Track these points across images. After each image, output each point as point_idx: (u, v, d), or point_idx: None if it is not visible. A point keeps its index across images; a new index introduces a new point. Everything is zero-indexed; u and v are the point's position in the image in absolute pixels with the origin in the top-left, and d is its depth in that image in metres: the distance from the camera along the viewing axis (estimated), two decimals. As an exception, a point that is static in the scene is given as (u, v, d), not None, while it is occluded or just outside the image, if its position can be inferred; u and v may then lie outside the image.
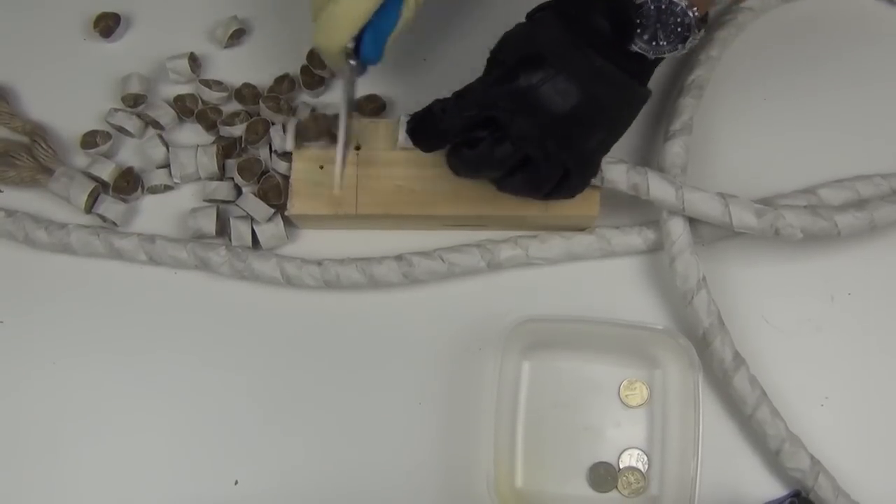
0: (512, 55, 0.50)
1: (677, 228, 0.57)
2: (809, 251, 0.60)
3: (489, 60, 0.52)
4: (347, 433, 0.57)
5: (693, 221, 0.58)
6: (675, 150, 0.58)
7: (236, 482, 0.56)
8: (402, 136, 0.57)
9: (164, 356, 0.59)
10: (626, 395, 0.57)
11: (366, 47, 0.53)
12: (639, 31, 0.49)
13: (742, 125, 0.64)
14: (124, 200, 0.62)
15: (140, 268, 0.61)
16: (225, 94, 0.64)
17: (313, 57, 0.64)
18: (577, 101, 0.48)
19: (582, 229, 0.60)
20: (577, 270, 0.60)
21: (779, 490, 0.55)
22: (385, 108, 0.64)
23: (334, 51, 0.53)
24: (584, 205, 0.57)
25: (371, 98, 0.63)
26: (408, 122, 0.53)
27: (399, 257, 0.58)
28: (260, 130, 0.61)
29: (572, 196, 0.54)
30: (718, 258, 0.60)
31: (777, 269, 0.60)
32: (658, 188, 0.56)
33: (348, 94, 0.55)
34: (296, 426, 0.58)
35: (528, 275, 0.60)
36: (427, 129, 0.52)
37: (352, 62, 0.53)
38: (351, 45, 0.53)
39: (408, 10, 0.54)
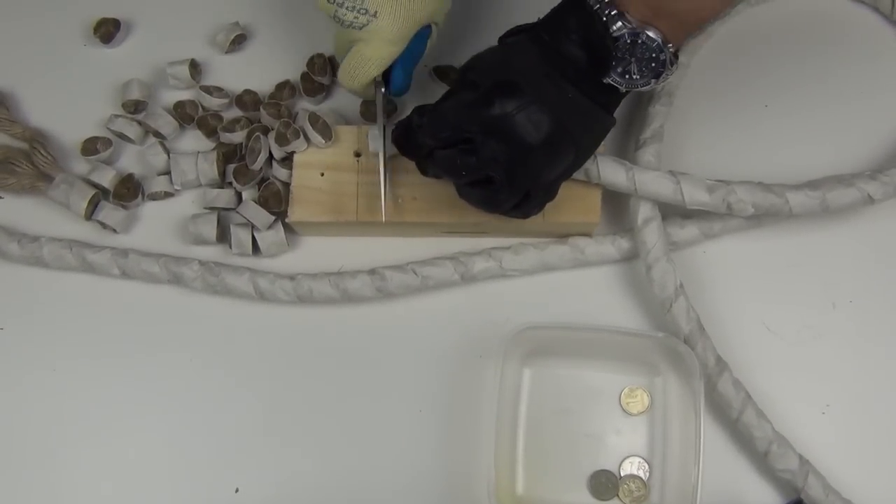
0: (486, 79, 0.49)
1: (652, 236, 0.57)
2: (811, 257, 0.60)
3: (460, 78, 0.51)
4: (348, 441, 0.57)
5: (668, 225, 0.58)
6: (646, 158, 0.58)
7: (237, 490, 0.56)
8: (372, 144, 0.58)
9: (163, 366, 0.59)
10: (627, 403, 0.57)
11: (395, 81, 0.56)
12: (613, 63, 0.49)
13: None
14: (124, 207, 0.62)
15: (137, 280, 0.61)
16: (226, 101, 0.64)
17: (314, 64, 0.64)
18: (548, 131, 0.48)
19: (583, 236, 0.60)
20: (571, 279, 0.60)
21: (779, 497, 0.55)
22: (396, 110, 0.64)
23: (361, 87, 0.55)
24: (584, 212, 0.58)
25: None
26: (392, 133, 0.53)
27: (372, 271, 0.58)
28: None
29: (526, 217, 0.53)
30: (718, 264, 0.60)
31: (778, 275, 0.60)
32: (608, 171, 0.56)
33: (382, 121, 0.56)
34: (298, 434, 0.58)
35: (525, 284, 0.60)
36: (408, 140, 0.52)
37: (382, 90, 0.55)
38: (379, 77, 0.54)
39: (431, 42, 0.56)
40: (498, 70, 0.49)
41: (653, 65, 0.49)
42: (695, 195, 0.56)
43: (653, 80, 0.50)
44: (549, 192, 0.53)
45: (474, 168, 0.49)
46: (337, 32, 0.56)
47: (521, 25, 0.51)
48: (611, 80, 0.49)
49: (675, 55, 0.50)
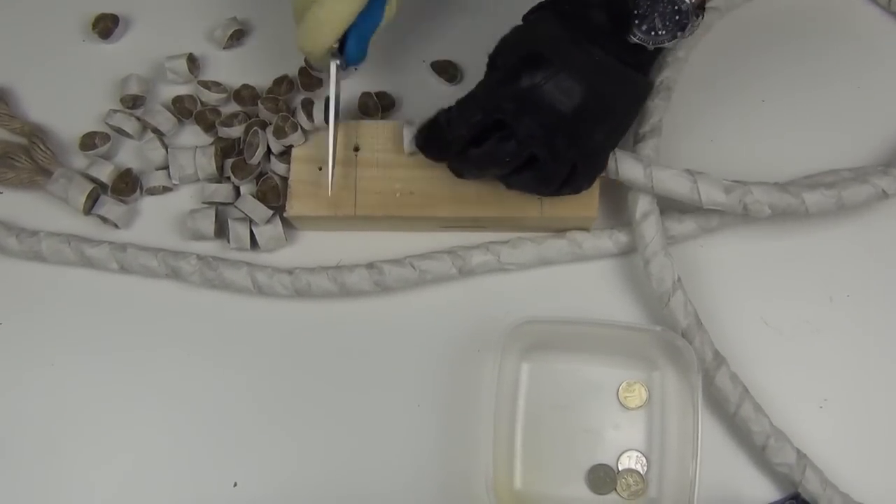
0: (512, 56, 0.50)
1: (650, 230, 0.57)
2: (809, 252, 0.60)
3: (488, 65, 0.52)
4: (346, 435, 0.57)
5: (666, 219, 0.58)
6: (645, 152, 0.58)
7: (235, 484, 0.57)
8: (408, 142, 0.57)
9: (161, 360, 0.59)
10: (625, 397, 0.57)
11: (350, 48, 0.54)
12: (636, 21, 0.49)
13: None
14: (123, 202, 0.62)
15: (135, 275, 0.61)
16: (224, 96, 0.64)
17: (312, 59, 0.64)
18: (581, 98, 0.48)
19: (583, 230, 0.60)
20: (569, 273, 0.60)
21: (776, 491, 0.55)
22: (395, 106, 0.64)
23: (318, 53, 0.53)
24: (582, 206, 0.57)
25: (381, 95, 0.64)
26: (416, 135, 0.53)
27: (370, 265, 0.58)
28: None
29: (578, 192, 0.53)
30: (716, 258, 0.60)
31: (776, 270, 0.60)
32: (627, 168, 0.56)
33: (335, 94, 0.55)
34: (296, 429, 0.58)
35: (523, 278, 0.60)
36: (436, 140, 0.52)
37: (336, 62, 0.53)
38: (335, 45, 0.53)
39: (390, 10, 0.54)
40: (523, 45, 0.49)
41: (676, 17, 0.49)
42: (711, 195, 0.56)
43: (679, 33, 0.49)
44: (598, 162, 0.53)
45: (514, 152, 0.49)
46: None
47: (541, 2, 0.51)
48: (636, 38, 0.49)
49: (701, 7, 0.49)
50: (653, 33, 0.49)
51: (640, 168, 0.56)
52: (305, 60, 0.64)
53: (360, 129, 0.59)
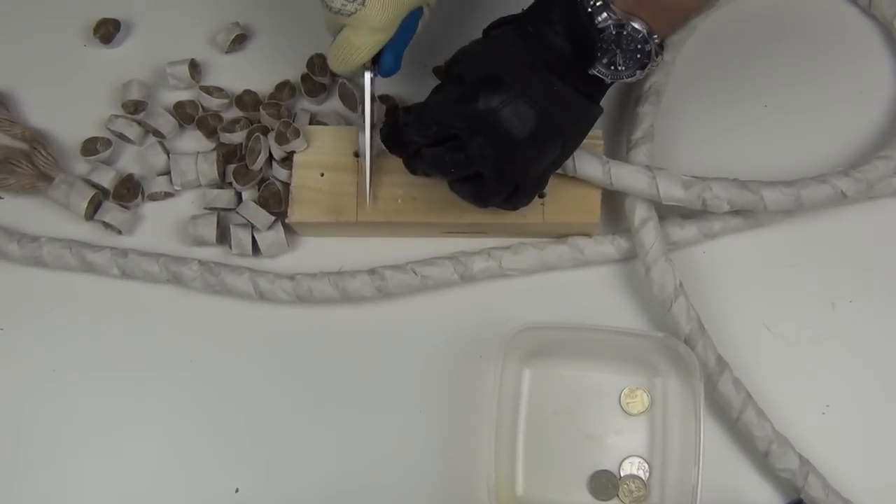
0: (471, 73, 0.49)
1: (649, 237, 0.57)
2: (811, 258, 0.60)
3: (445, 73, 0.51)
4: (348, 441, 0.57)
5: (668, 225, 0.58)
6: (638, 158, 0.58)
7: (237, 490, 0.56)
8: (361, 146, 0.57)
9: (162, 366, 0.59)
10: (627, 403, 0.57)
11: (385, 62, 0.54)
12: (598, 54, 0.49)
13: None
14: (125, 208, 0.62)
15: (136, 280, 0.61)
16: (225, 101, 0.64)
17: (314, 64, 0.64)
18: (534, 125, 0.48)
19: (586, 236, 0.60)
20: (571, 279, 0.60)
21: (779, 497, 0.55)
22: (397, 109, 0.64)
23: (349, 73, 0.54)
24: (584, 212, 0.58)
25: (384, 99, 0.64)
26: (381, 129, 0.53)
27: (372, 271, 0.58)
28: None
29: (515, 209, 0.54)
30: (718, 264, 0.60)
31: (778, 275, 0.60)
32: (585, 165, 0.56)
33: (370, 105, 0.55)
34: (297, 434, 0.58)
35: (524, 284, 0.60)
36: (395, 138, 0.52)
37: (369, 75, 0.53)
38: (369, 62, 0.53)
39: (423, 22, 0.55)
40: (483, 64, 0.49)
41: (638, 56, 0.49)
42: (670, 191, 0.56)
43: (638, 72, 0.50)
44: (539, 184, 0.53)
45: (463, 164, 0.49)
46: (325, 14, 0.54)
47: (505, 17, 0.51)
48: (596, 71, 0.49)
49: (661, 46, 0.50)
50: (613, 68, 0.49)
51: (598, 165, 0.56)
52: (309, 67, 0.64)
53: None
